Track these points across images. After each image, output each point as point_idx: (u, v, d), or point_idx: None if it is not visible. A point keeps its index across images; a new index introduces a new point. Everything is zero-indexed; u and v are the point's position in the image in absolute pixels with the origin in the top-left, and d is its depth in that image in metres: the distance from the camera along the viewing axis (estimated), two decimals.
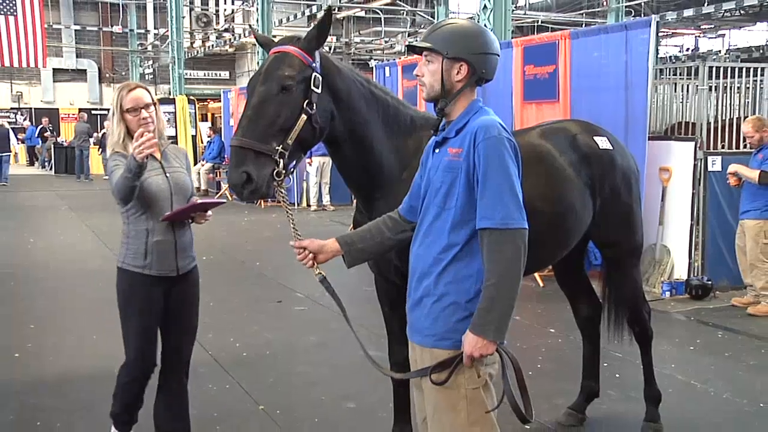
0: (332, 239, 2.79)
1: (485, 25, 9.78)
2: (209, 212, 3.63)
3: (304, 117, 2.87)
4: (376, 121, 3.24)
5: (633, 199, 4.18)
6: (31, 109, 32.37)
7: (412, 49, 2.66)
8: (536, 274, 8.47)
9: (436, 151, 2.57)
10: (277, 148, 2.80)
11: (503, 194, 2.32)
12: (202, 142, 23.43)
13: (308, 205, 15.97)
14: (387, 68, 13.45)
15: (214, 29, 28.33)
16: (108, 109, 27.43)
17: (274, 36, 21.71)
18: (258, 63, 14.85)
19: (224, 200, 4.10)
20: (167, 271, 3.56)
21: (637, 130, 7.99)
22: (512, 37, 10.51)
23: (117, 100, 3.50)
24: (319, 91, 2.93)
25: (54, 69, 31.92)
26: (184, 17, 24.95)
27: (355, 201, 3.80)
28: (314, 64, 2.95)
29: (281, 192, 2.86)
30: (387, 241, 2.78)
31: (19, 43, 21.00)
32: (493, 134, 2.37)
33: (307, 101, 2.88)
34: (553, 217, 3.68)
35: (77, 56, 32.80)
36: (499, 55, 2.57)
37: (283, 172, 2.81)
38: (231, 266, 9.82)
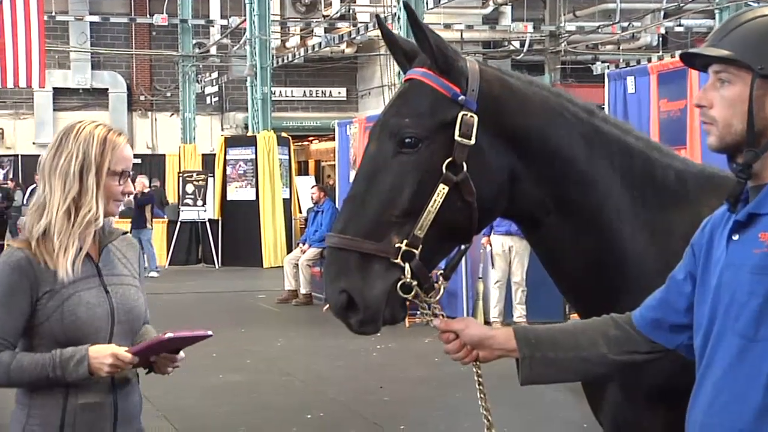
0: (507, 329, 2.92)
1: None
2: (181, 353, 3.66)
3: (443, 189, 3.02)
4: (610, 180, 3.31)
5: None
6: (17, 156, 33.38)
7: (688, 62, 2.77)
8: None
9: (735, 237, 2.61)
10: (398, 244, 2.97)
11: None
12: (300, 211, 24.06)
13: (487, 323, 15.96)
14: (629, 78, 13.45)
15: (323, 17, 28.99)
16: (143, 156, 27.89)
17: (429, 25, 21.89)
18: (399, 75, 15.05)
19: (210, 332, 3.73)
20: None
21: None
22: None
23: (99, 152, 3.58)
24: (471, 141, 3.06)
25: (55, 89, 33.23)
26: None
27: (573, 317, 3.85)
28: (461, 97, 3.09)
29: (425, 308, 3.04)
30: (601, 360, 2.86)
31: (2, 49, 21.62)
32: None
33: (448, 161, 3.03)
34: None
35: (93, 67, 34.39)
36: None
37: (414, 283, 2.96)
38: (355, 430, 9.91)
